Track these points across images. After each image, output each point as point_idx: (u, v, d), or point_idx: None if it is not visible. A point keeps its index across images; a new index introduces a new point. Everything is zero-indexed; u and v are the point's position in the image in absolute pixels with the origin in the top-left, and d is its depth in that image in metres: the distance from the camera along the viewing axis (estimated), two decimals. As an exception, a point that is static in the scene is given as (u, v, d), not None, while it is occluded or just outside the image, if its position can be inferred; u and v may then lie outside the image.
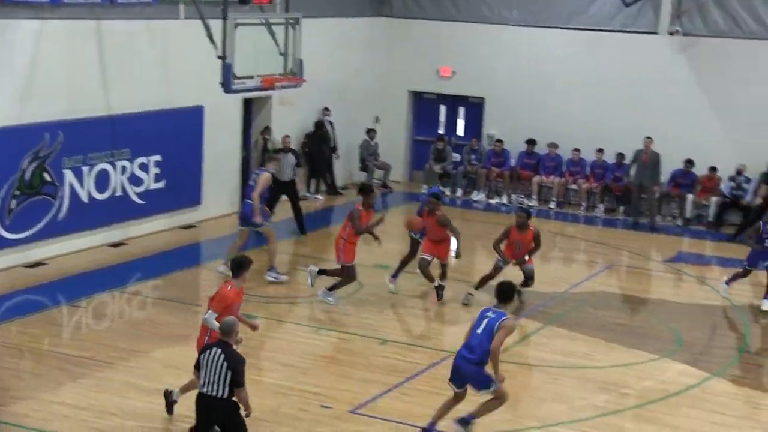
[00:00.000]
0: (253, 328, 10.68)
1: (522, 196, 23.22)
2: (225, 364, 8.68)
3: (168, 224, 18.52)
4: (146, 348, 12.56)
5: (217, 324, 9.71)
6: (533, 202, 22.91)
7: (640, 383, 12.31)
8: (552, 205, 22.85)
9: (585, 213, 22.50)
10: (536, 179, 23.03)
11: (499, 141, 23.45)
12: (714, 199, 21.69)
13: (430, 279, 15.00)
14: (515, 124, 23.37)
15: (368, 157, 23.71)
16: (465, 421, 10.22)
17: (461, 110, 24.76)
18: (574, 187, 23.00)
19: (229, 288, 10.18)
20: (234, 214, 19.95)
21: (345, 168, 23.65)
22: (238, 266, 10.35)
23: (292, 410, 10.69)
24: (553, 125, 22.94)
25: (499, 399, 10.12)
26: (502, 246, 14.92)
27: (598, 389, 12.14)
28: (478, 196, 23.34)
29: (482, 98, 24.05)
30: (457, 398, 10.27)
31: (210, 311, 10.04)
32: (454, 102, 24.69)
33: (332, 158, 22.73)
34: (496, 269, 14.85)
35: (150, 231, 18.04)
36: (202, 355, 8.90)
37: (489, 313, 10.06)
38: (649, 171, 21.52)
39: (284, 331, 13.41)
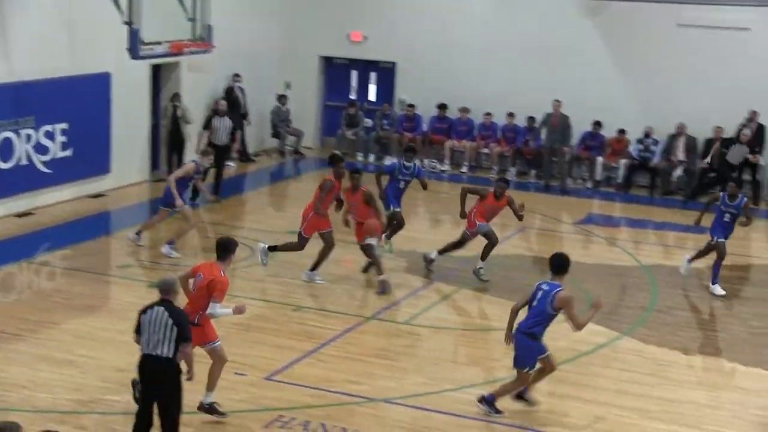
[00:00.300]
0: (240, 311, 10.05)
1: (434, 160, 23.30)
2: (170, 320, 8.46)
3: (76, 193, 18.16)
4: (57, 319, 12.33)
5: (227, 310, 9.54)
6: (446, 167, 23.05)
7: (552, 344, 12.42)
8: (464, 169, 23.01)
9: (497, 177, 22.64)
10: (448, 143, 23.14)
11: (411, 106, 23.48)
12: (623, 162, 22.07)
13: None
14: (427, 88, 23.41)
15: (280, 123, 23.54)
16: (487, 400, 10.28)
17: (373, 75, 24.72)
18: (486, 151, 23.18)
19: (222, 273, 9.54)
20: (144, 182, 19.70)
21: (257, 134, 23.44)
22: (225, 250, 9.73)
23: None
24: (465, 89, 23.04)
25: (519, 381, 10.24)
26: (472, 203, 14.70)
27: (510, 350, 12.27)
28: (390, 161, 23.34)
29: (393, 63, 24.03)
30: (543, 370, 10.30)
31: (212, 303, 9.44)
32: (365, 67, 24.62)
33: (243, 125, 22.50)
34: (490, 236, 14.67)
35: (57, 200, 17.67)
36: (143, 316, 8.63)
37: (543, 286, 10.07)
38: (559, 134, 21.80)
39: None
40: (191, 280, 9.72)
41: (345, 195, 14.20)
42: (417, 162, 15.85)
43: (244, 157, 22.56)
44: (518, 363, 10.14)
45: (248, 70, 22.46)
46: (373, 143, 23.64)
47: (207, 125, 19.19)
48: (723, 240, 14.70)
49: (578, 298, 14.11)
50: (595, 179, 22.31)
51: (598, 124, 22.12)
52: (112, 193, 18.75)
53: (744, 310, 14.19)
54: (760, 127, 21.07)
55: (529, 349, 10.05)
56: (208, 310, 9.44)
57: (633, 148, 22.02)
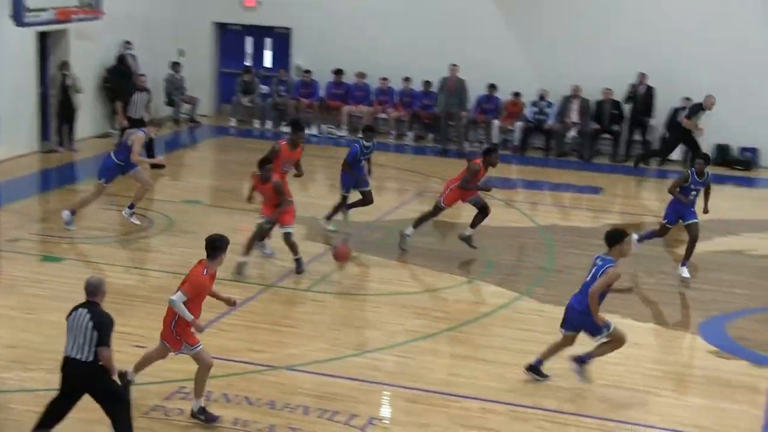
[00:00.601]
0: (230, 303, 9.64)
1: (332, 126, 23.21)
2: (91, 323, 8.11)
3: (-38, 166, 17.59)
4: (-56, 297, 11.93)
5: (186, 311, 8.86)
6: (343, 132, 22.98)
7: (453, 306, 12.60)
8: (361, 134, 22.93)
9: (395, 141, 22.74)
10: (345, 109, 23.06)
11: (307, 71, 23.31)
12: (518, 124, 22.31)
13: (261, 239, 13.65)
14: (323, 54, 23.25)
15: (174, 91, 23.13)
16: (581, 360, 10.28)
17: (268, 41, 24.44)
18: (383, 116, 23.17)
19: (204, 272, 8.95)
20: (33, 153, 19.18)
21: (150, 103, 22.96)
22: (215, 247, 9.03)
23: (105, 352, 10.37)
24: (361, 55, 22.94)
25: (615, 341, 10.14)
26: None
27: (412, 314, 12.35)
28: (287, 127, 23.21)
29: (289, 29, 23.79)
30: (565, 342, 10.28)
31: (179, 292, 8.85)
32: (260, 33, 24.33)
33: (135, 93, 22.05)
34: (438, 209, 14.49)
35: (-59, 174, 17.09)
36: (68, 318, 8.28)
37: (597, 260, 10.00)
38: (456, 98, 21.90)
39: (92, 272, 12.98)
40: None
41: (255, 183, 13.40)
42: (375, 140, 15.45)
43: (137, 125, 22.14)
44: (594, 334, 10.10)
45: (140, 37, 21.96)
46: (269, 110, 23.42)
47: (121, 97, 18.91)
48: (667, 223, 14.13)
49: (477, 260, 14.34)
50: (492, 142, 22.50)
51: (493, 87, 22.31)
52: (0, 165, 18.18)
53: (636, 267, 14.48)
54: (649, 89, 21.51)
55: (585, 321, 10.02)
56: (172, 296, 8.92)
57: (528, 111, 22.27)
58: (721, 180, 20.79)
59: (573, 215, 16.85)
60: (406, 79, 22.73)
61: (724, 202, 19.11)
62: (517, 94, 22.23)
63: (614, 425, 9.60)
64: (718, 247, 15.64)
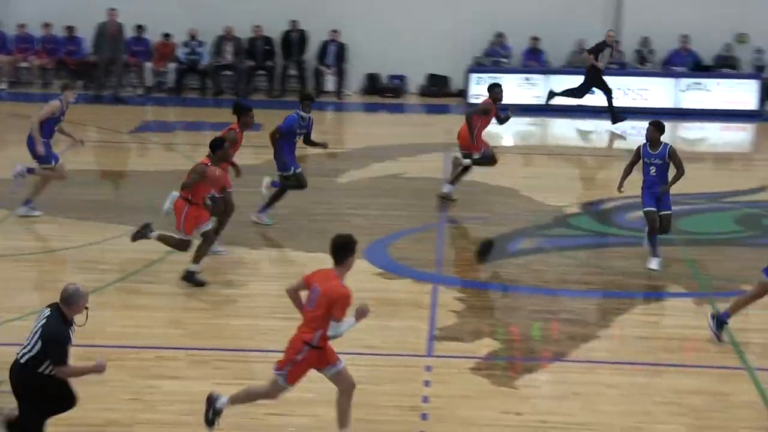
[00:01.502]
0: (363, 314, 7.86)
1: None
2: (40, 330, 7.13)
3: None
4: None
5: (348, 323, 7.62)
6: (-15, 85, 21.69)
7: (119, 257, 12.25)
8: (3, 85, 21.77)
9: (41, 90, 21.70)
10: (-19, 60, 21.73)
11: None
12: (171, 66, 21.96)
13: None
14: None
15: None
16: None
17: None
18: (25, 64, 22.02)
19: (341, 284, 7.65)
20: None
21: None
22: (344, 250, 7.70)
23: None
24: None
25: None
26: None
27: (77, 269, 11.91)
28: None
29: None
30: (760, 290, 9.74)
31: (332, 323, 7.59)
32: None
33: None
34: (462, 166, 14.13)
35: None
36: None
37: None
38: (117, 43, 21.20)
39: None
40: (304, 294, 7.83)
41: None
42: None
43: None
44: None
45: None
46: None
47: None
48: (653, 209, 11.79)
49: (141, 208, 13.99)
50: (146, 85, 22.04)
51: (141, 29, 21.77)
52: None
53: (302, 200, 14.66)
54: (302, 33, 21.97)
55: None
56: (330, 332, 7.65)
57: (180, 52, 21.95)
58: (373, 108, 21.61)
59: (237, 153, 16.76)
60: (47, 25, 21.65)
61: (377, 129, 19.96)
62: (167, 35, 21.82)
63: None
64: (375, 173, 16.24)
